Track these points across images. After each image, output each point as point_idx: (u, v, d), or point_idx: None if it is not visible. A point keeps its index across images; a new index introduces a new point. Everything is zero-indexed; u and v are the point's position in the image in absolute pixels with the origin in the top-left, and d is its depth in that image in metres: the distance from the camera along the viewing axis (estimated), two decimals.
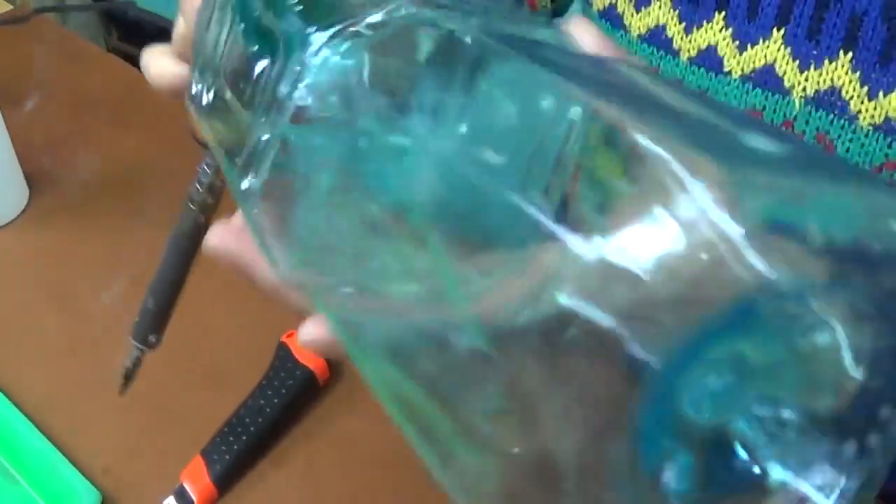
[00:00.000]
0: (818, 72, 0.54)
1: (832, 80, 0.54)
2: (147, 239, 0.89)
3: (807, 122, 0.56)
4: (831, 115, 0.55)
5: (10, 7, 1.29)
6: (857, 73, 0.53)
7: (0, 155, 0.88)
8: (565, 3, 0.76)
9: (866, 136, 0.54)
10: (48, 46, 1.18)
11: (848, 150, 0.55)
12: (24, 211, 0.91)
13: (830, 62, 0.54)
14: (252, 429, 0.70)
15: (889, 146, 0.53)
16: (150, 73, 0.46)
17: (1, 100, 0.88)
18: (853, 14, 0.52)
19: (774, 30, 0.55)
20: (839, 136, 0.55)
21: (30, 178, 0.93)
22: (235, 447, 0.68)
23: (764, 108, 0.57)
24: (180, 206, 0.55)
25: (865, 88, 0.53)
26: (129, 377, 0.59)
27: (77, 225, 0.91)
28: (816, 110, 0.55)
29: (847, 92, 0.54)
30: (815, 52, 0.54)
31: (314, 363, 0.74)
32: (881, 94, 0.52)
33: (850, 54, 0.53)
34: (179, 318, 0.83)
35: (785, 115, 0.57)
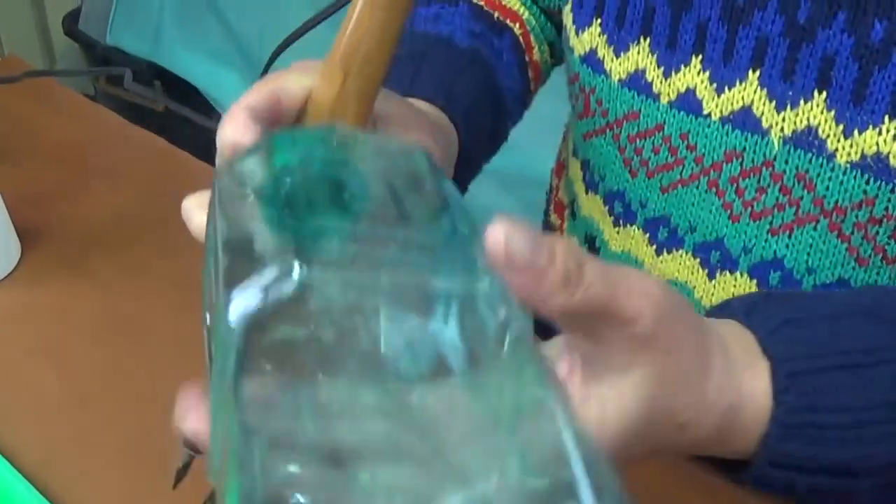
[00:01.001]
0: (794, 112, 0.55)
1: (808, 119, 0.55)
2: (141, 292, 0.89)
3: (786, 162, 0.57)
4: (810, 154, 0.56)
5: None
6: (832, 112, 0.54)
7: None
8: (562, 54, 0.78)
9: (844, 173, 0.55)
10: (36, 98, 1.18)
11: (827, 187, 0.56)
12: (16, 267, 0.92)
13: (806, 102, 0.55)
14: None
15: (867, 183, 0.55)
16: (191, 227, 0.49)
17: None
18: (825, 54, 0.53)
19: (750, 71, 0.57)
20: (818, 175, 0.56)
21: (22, 234, 0.94)
22: None
23: (744, 149, 0.58)
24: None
25: (841, 127, 0.54)
26: (180, 478, 0.61)
27: (70, 280, 0.91)
28: (795, 149, 0.56)
29: (823, 131, 0.55)
30: (790, 93, 0.55)
31: None
32: (856, 131, 0.53)
33: (824, 94, 0.54)
34: (180, 375, 0.83)
35: (765, 156, 0.58)
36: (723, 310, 0.45)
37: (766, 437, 0.41)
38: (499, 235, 0.31)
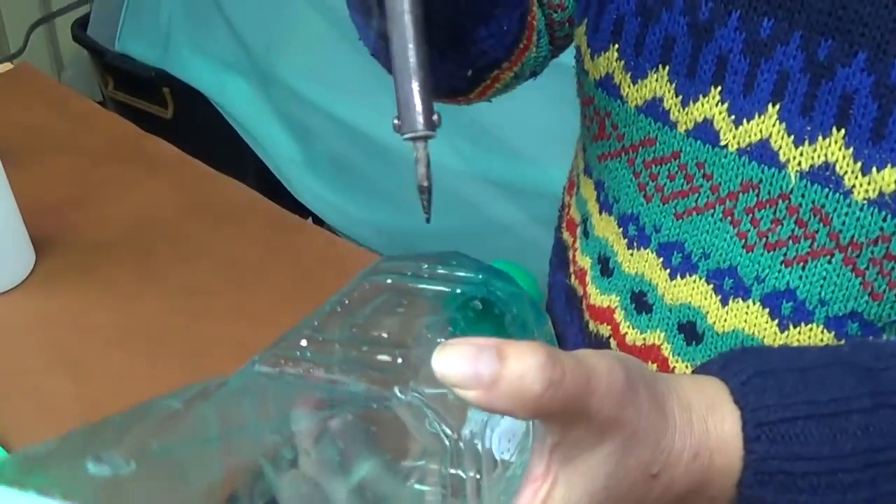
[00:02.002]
0: (812, 147, 0.56)
1: (826, 155, 0.56)
2: (155, 299, 0.91)
3: (803, 196, 0.58)
4: (826, 190, 0.56)
5: (10, 66, 1.31)
6: (850, 150, 0.55)
7: (6, 219, 0.89)
8: (564, 33, 0.76)
9: (861, 210, 0.56)
10: (50, 106, 1.19)
11: (844, 223, 0.57)
12: (30, 274, 0.93)
13: (824, 138, 0.56)
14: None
15: (884, 220, 0.55)
16: None
17: (6, 164, 0.90)
18: (844, 92, 0.54)
19: (769, 105, 0.57)
20: (835, 210, 0.57)
21: (36, 242, 0.95)
22: None
23: (760, 181, 0.59)
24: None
25: (859, 164, 0.55)
26: (429, 188, 0.49)
27: (84, 287, 0.92)
28: (812, 184, 0.57)
29: (841, 167, 0.55)
30: (808, 128, 0.56)
31: None
32: (874, 169, 0.54)
33: (842, 131, 0.55)
34: (189, 376, 0.83)
35: (781, 189, 0.58)
36: (702, 367, 0.48)
37: (740, 484, 0.43)
38: (442, 369, 0.35)
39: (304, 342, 0.42)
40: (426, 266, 0.48)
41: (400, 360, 0.39)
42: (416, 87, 0.48)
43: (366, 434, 0.38)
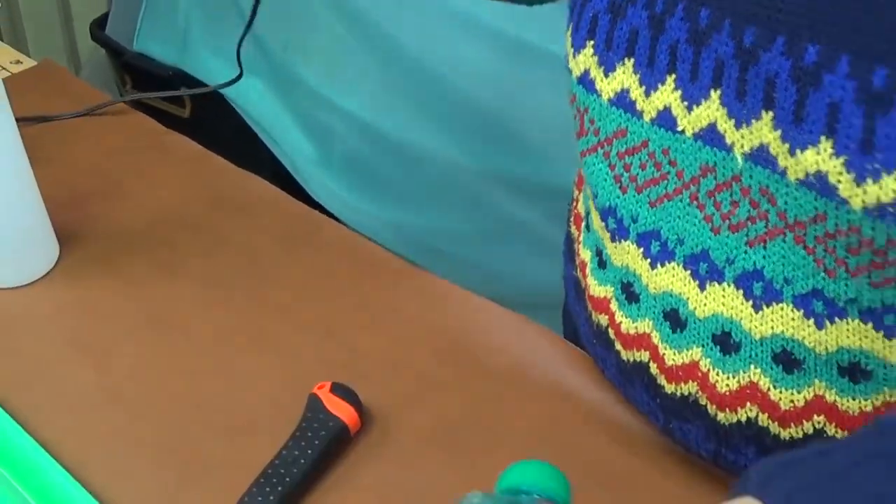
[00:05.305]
0: (749, 130, 0.62)
1: (761, 137, 0.62)
2: (175, 291, 0.97)
3: (751, 177, 0.64)
4: (767, 171, 0.62)
5: (34, 63, 1.37)
6: (779, 132, 0.60)
7: (32, 212, 0.96)
8: None
9: (796, 190, 0.61)
10: (73, 104, 1.26)
11: (786, 203, 0.62)
12: (55, 266, 0.99)
13: (757, 121, 0.61)
14: (287, 479, 0.75)
15: (815, 199, 0.60)
16: None
17: (31, 159, 0.94)
18: (768, 76, 0.60)
19: (712, 91, 0.64)
20: (777, 191, 0.62)
21: (60, 234, 1.01)
22: (271, 497, 0.74)
23: (715, 164, 0.65)
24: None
25: (787, 145, 0.60)
26: None
27: (107, 279, 0.97)
28: (755, 166, 0.63)
29: (773, 149, 0.61)
30: (744, 112, 0.62)
31: (345, 414, 0.80)
32: (798, 150, 0.59)
33: (770, 113, 0.60)
34: (213, 373, 0.87)
35: (732, 171, 0.65)
36: (740, 483, 0.54)
37: None
38: None
39: None
40: None
41: None
42: None
43: None
